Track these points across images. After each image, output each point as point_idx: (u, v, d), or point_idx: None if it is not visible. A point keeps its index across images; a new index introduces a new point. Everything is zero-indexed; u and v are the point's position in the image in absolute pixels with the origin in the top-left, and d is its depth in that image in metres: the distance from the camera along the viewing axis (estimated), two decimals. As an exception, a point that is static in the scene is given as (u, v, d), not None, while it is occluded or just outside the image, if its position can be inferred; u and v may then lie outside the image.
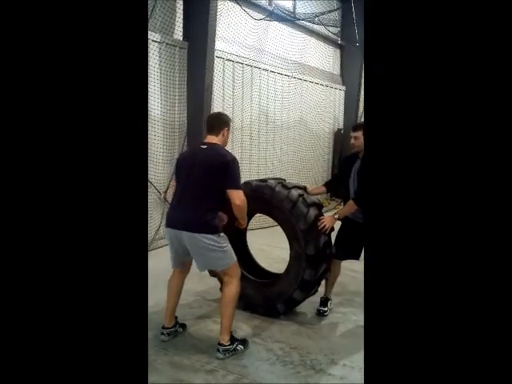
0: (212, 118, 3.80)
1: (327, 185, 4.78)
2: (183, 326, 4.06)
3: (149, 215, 6.90)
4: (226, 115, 3.83)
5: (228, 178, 3.47)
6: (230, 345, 3.58)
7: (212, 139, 3.65)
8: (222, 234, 3.52)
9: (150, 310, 4.26)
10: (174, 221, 3.61)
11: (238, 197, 3.49)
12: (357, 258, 4.38)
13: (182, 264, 3.86)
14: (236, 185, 3.52)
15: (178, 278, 3.90)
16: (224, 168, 3.45)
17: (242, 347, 3.68)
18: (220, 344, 3.57)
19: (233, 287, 3.62)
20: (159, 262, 6.02)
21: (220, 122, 3.69)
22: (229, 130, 3.75)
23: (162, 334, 3.85)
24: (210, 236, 3.44)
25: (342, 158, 10.91)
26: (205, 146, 3.61)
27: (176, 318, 3.98)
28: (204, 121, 7.25)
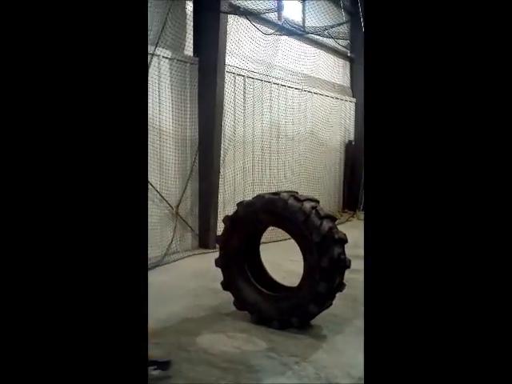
0: None
1: None
2: None
3: (160, 230, 6.92)
4: None
5: None
6: None
7: None
8: None
9: (162, 324, 4.26)
10: None
11: None
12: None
13: None
14: None
15: None
16: None
17: None
18: None
19: None
20: (171, 277, 6.05)
21: None
22: None
23: None
24: None
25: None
26: None
27: None
28: (216, 135, 7.35)
